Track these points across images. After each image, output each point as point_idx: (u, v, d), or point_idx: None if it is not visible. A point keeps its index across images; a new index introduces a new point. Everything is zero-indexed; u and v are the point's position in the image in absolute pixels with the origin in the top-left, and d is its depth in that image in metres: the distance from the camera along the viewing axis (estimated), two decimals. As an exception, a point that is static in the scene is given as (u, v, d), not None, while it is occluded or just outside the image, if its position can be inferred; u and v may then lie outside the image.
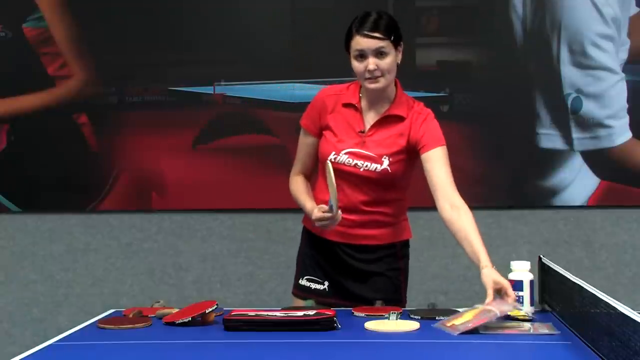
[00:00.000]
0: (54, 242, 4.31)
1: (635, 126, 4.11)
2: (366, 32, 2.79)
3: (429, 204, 4.19)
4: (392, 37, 2.80)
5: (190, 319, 2.60)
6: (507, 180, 4.18)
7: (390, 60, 2.81)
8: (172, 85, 4.26)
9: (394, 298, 2.95)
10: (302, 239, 3.08)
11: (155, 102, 4.27)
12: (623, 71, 4.10)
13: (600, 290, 2.25)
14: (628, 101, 4.11)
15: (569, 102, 4.11)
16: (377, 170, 2.85)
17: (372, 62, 2.78)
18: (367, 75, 2.80)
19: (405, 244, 3.04)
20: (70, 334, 2.57)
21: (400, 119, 2.88)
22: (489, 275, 2.58)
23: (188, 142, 4.25)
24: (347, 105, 2.91)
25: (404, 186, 2.96)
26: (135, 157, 4.27)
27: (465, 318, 2.49)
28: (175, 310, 2.73)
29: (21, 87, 4.32)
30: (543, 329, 2.51)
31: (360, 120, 2.89)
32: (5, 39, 4.30)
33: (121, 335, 2.52)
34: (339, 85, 2.97)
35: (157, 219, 4.29)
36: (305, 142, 2.99)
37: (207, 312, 2.62)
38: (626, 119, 4.11)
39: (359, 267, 2.95)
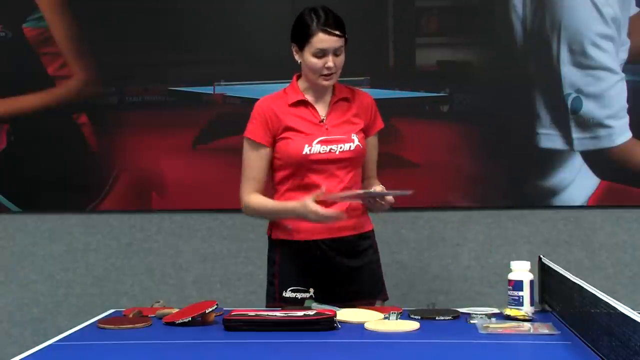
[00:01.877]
0: (54, 242, 4.31)
1: (635, 126, 4.10)
2: (329, 30, 2.86)
3: (428, 203, 4.21)
4: (345, 35, 2.91)
5: (190, 319, 2.60)
6: (506, 180, 4.17)
7: (343, 58, 2.93)
8: (172, 85, 4.26)
9: (376, 290, 3.01)
10: (275, 253, 3.02)
11: (155, 102, 4.27)
12: (623, 71, 4.10)
13: (600, 290, 2.26)
14: (628, 101, 4.11)
15: (569, 102, 4.11)
16: (351, 148, 2.96)
17: (331, 61, 2.88)
18: (325, 72, 2.89)
19: (374, 233, 3.11)
20: (70, 334, 2.58)
21: (347, 100, 3.01)
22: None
23: (188, 142, 4.25)
24: (295, 104, 2.97)
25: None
26: (135, 157, 4.27)
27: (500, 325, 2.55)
28: (175, 310, 2.73)
29: (21, 87, 4.31)
30: (543, 329, 2.51)
31: (315, 112, 2.97)
32: (5, 39, 4.30)
33: (121, 335, 2.52)
34: (274, 93, 3.04)
35: (157, 219, 4.28)
36: (257, 156, 2.98)
37: (207, 312, 2.63)
38: (626, 119, 4.11)
39: (342, 262, 2.97)
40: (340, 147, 2.93)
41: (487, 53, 4.17)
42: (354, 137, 2.96)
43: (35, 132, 4.31)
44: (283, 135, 2.95)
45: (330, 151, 2.92)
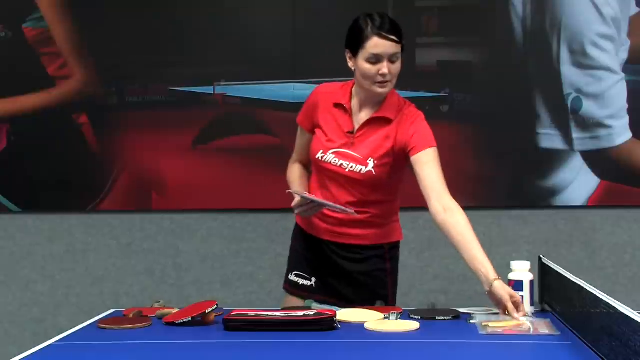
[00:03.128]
0: (54, 242, 4.31)
1: (635, 126, 4.11)
2: (384, 34, 2.73)
3: (429, 204, 4.16)
4: (402, 42, 2.78)
5: (190, 319, 2.60)
6: (507, 180, 4.18)
7: (399, 65, 2.79)
8: (172, 85, 4.26)
9: (378, 298, 2.95)
10: (294, 235, 3.10)
11: (155, 102, 4.27)
12: (623, 71, 4.10)
13: (600, 290, 2.25)
14: (628, 101, 4.11)
15: (569, 102, 4.11)
16: (361, 172, 2.84)
17: (386, 67, 2.75)
18: (379, 79, 2.77)
19: (395, 245, 3.03)
20: (70, 334, 2.57)
21: (387, 121, 2.84)
22: (504, 288, 2.60)
23: (188, 142, 4.25)
24: (337, 105, 2.89)
25: (392, 189, 2.93)
26: (135, 157, 4.27)
27: (501, 324, 2.51)
28: (175, 310, 2.73)
29: (21, 87, 4.32)
30: (543, 329, 2.51)
31: (349, 121, 2.88)
32: (5, 39, 4.30)
33: (121, 335, 2.52)
34: (335, 84, 2.95)
35: (157, 219, 4.29)
36: (300, 135, 3.03)
37: (207, 312, 2.62)
38: (626, 119, 4.11)
39: (345, 266, 2.96)
40: (351, 167, 2.84)
41: (487, 53, 4.17)
42: (370, 161, 2.83)
43: (35, 132, 4.32)
44: (316, 130, 2.93)
45: (340, 166, 2.85)
